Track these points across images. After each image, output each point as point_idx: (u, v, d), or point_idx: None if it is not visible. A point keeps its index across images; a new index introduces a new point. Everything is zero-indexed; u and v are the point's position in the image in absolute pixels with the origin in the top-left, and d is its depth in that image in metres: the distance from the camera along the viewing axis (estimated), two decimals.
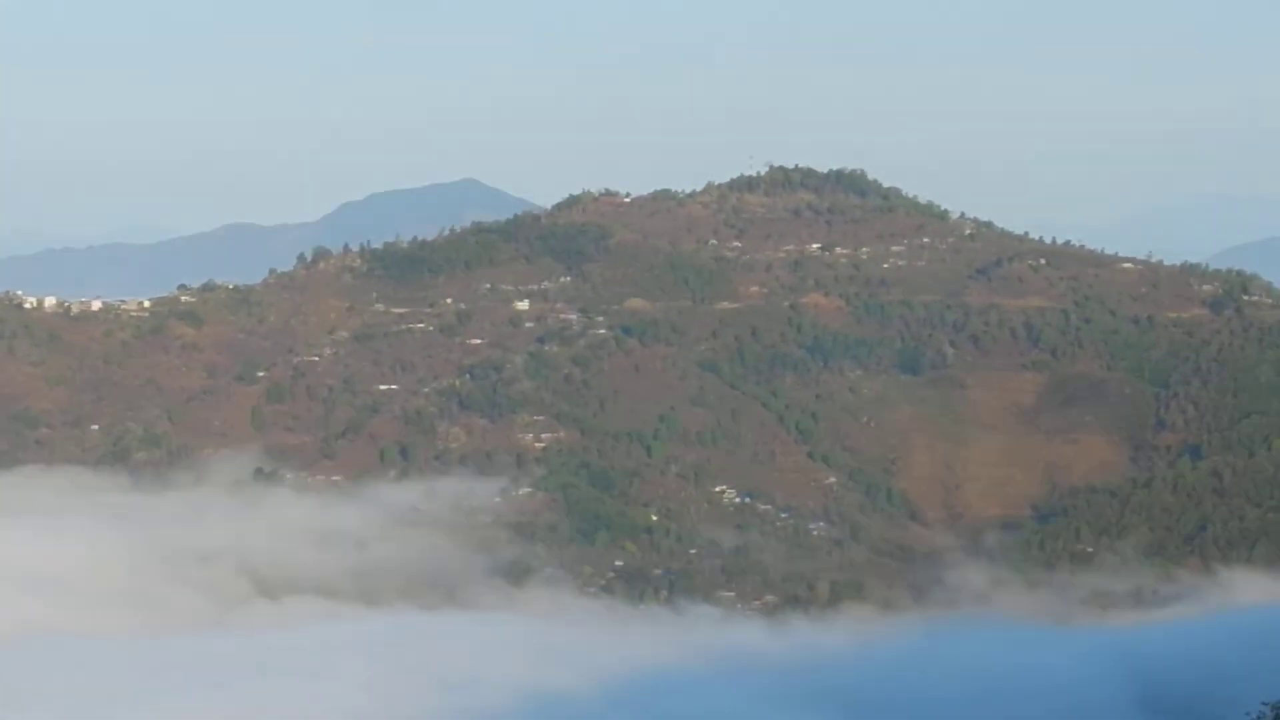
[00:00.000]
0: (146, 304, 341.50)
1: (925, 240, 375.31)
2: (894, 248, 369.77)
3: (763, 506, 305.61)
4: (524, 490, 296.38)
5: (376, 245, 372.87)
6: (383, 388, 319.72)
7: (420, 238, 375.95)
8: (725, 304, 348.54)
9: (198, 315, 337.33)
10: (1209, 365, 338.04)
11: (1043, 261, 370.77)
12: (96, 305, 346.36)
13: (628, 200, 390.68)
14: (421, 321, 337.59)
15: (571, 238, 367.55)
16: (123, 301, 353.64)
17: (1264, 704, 53.33)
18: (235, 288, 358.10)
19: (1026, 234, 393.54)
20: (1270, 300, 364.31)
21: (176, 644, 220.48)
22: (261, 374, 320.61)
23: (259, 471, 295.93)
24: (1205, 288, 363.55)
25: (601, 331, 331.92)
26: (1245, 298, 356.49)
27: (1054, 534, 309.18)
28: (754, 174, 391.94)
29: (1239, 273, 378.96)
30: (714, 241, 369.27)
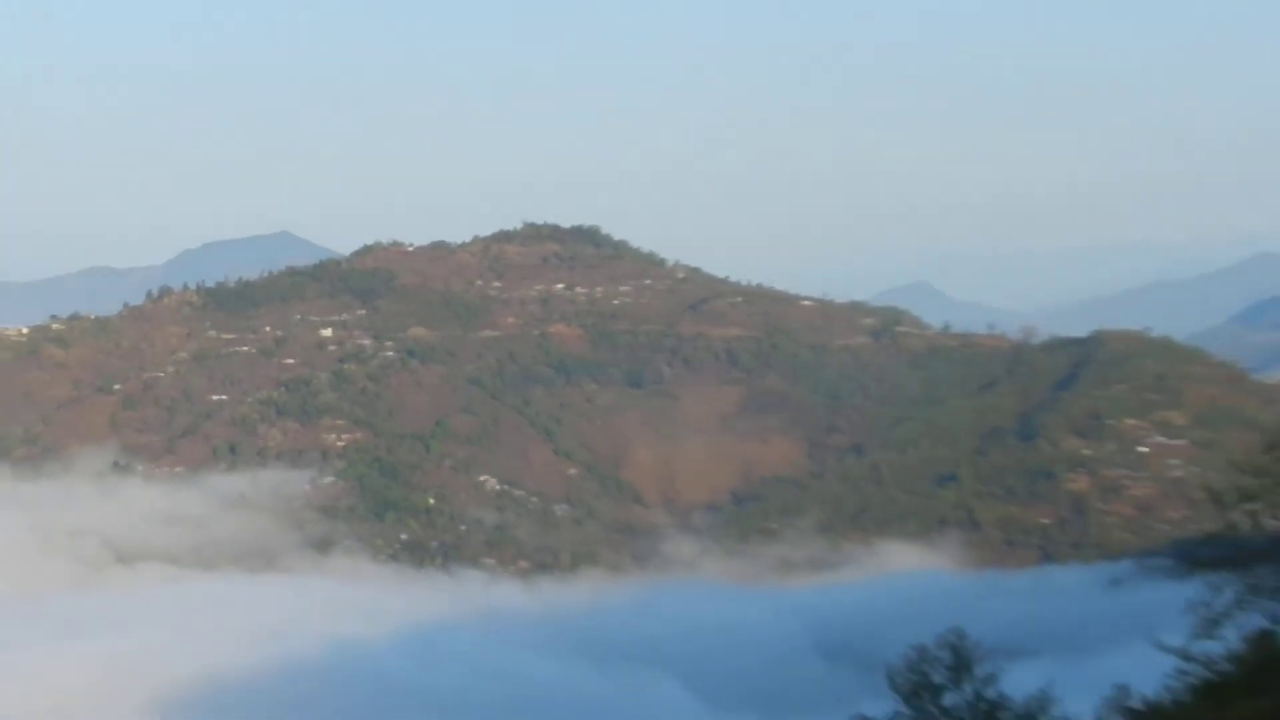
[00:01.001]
0: (25, 330, 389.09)
1: (647, 282, 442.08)
2: (622, 288, 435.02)
3: (518, 492, 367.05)
4: (328, 479, 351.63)
5: (210, 285, 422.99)
6: (215, 398, 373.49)
7: (245, 279, 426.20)
8: (488, 332, 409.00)
9: (66, 340, 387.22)
10: (870, 382, 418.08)
11: (739, 300, 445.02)
12: None
13: (410, 249, 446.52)
14: (246, 345, 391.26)
15: (366, 279, 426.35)
16: (5, 329, 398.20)
17: (910, 646, 60.58)
18: (96, 318, 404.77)
19: (727, 278, 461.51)
20: (917, 331, 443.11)
21: (51, 601, 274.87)
22: (117, 387, 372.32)
23: (116, 465, 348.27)
24: (867, 321, 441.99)
25: (390, 354, 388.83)
26: (898, 329, 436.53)
27: (748, 515, 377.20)
28: (512, 229, 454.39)
29: (893, 308, 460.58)
30: (479, 282, 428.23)
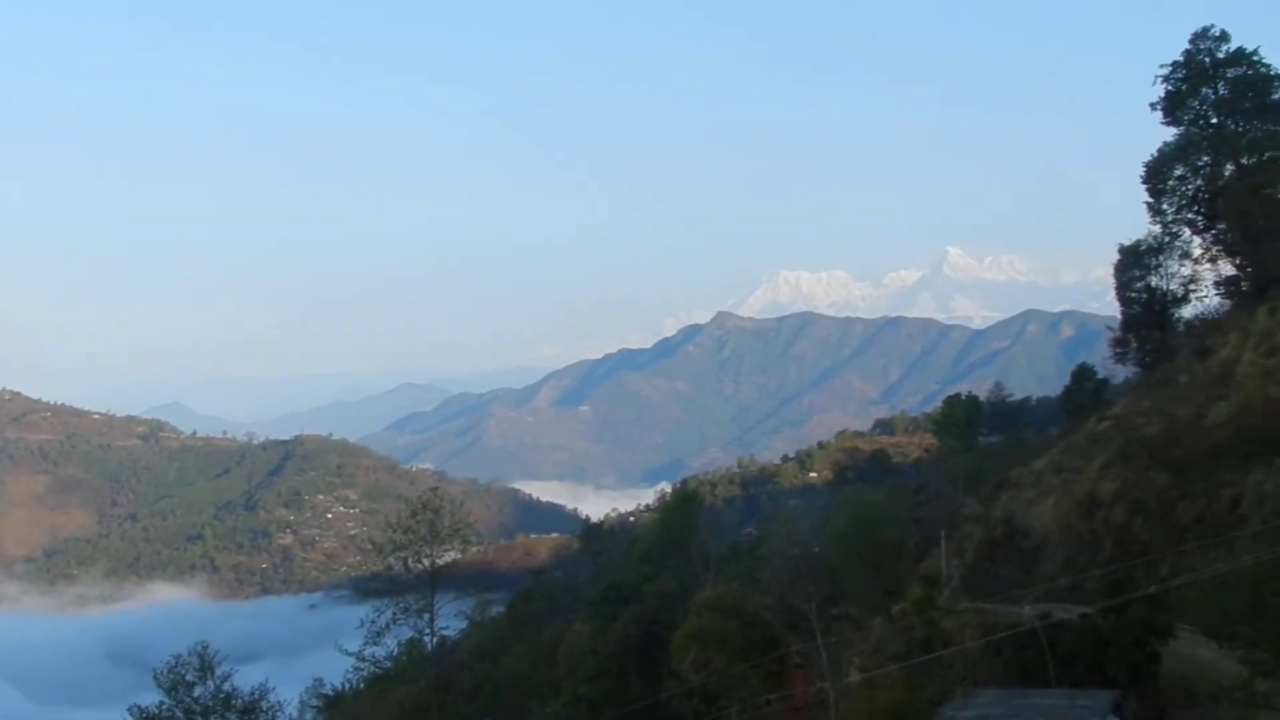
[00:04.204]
0: None
1: None
2: None
3: None
4: None
5: None
6: None
7: None
8: None
9: None
10: (141, 471, 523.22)
11: (49, 414, 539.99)
12: None
13: None
14: None
15: None
16: None
17: (170, 655, 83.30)
18: None
19: (40, 398, 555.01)
20: (174, 436, 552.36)
21: None
22: None
23: None
24: (139, 428, 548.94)
25: None
26: (161, 434, 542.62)
27: (55, 564, 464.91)
28: None
29: (158, 420, 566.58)
30: None
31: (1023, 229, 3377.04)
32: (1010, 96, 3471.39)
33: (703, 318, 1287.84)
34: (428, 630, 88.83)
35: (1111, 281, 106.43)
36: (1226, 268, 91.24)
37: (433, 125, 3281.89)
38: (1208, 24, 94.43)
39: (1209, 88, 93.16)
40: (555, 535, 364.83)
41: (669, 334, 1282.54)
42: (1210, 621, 39.52)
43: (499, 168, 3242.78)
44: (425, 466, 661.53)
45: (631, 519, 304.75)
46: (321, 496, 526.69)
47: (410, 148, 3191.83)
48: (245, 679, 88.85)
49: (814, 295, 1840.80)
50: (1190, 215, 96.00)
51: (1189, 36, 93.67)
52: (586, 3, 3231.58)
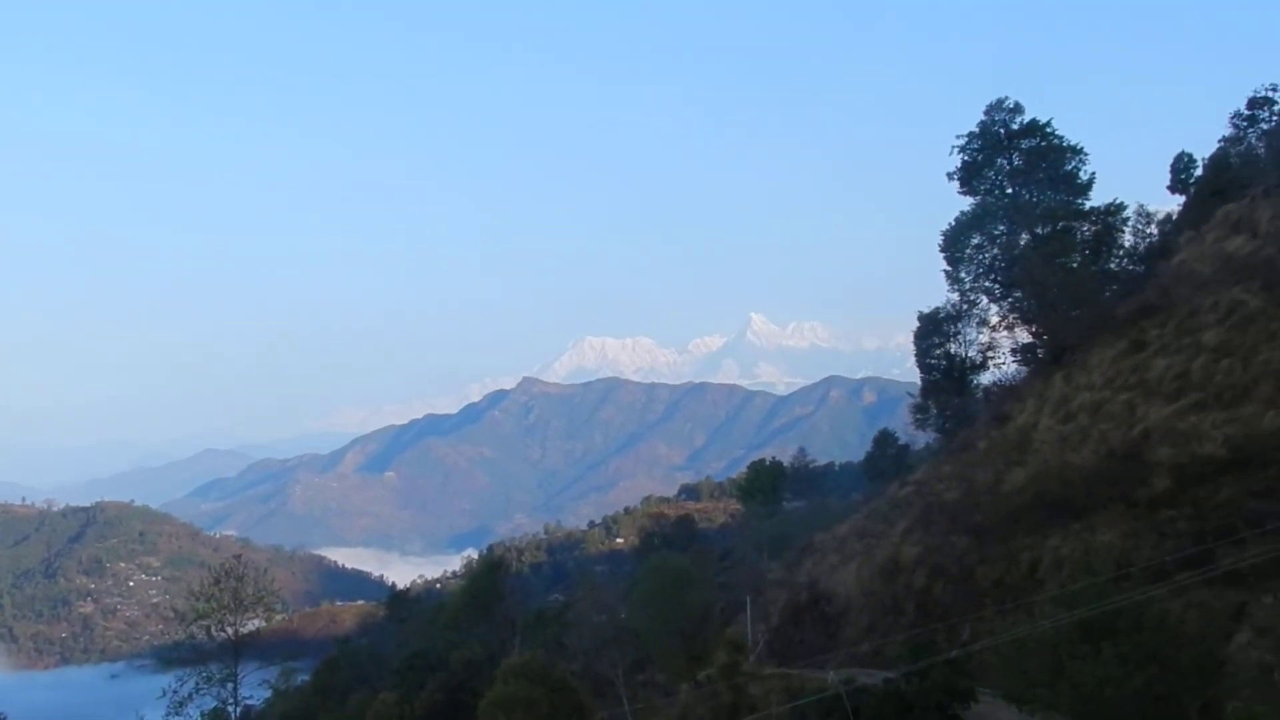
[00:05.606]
0: None
1: None
2: None
3: None
4: None
5: None
6: None
7: None
8: None
9: None
10: None
11: None
12: None
13: None
14: None
15: None
16: None
17: None
18: None
19: None
20: None
21: None
22: None
23: None
24: None
25: None
26: None
27: None
28: None
29: None
30: None
31: (825, 296, 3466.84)
32: (812, 166, 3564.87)
33: (508, 383, 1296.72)
34: (231, 700, 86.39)
35: (912, 348, 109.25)
36: (1023, 335, 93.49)
37: (234, 190, 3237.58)
38: (1002, 96, 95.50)
39: (1004, 158, 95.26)
40: (361, 602, 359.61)
41: (475, 400, 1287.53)
42: (1010, 685, 39.57)
43: (303, 235, 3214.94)
44: (229, 533, 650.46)
45: (438, 586, 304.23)
46: (123, 564, 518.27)
47: (211, 212, 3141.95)
48: None
49: (620, 361, 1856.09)
50: (987, 283, 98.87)
51: (984, 108, 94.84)
52: (391, 67, 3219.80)
